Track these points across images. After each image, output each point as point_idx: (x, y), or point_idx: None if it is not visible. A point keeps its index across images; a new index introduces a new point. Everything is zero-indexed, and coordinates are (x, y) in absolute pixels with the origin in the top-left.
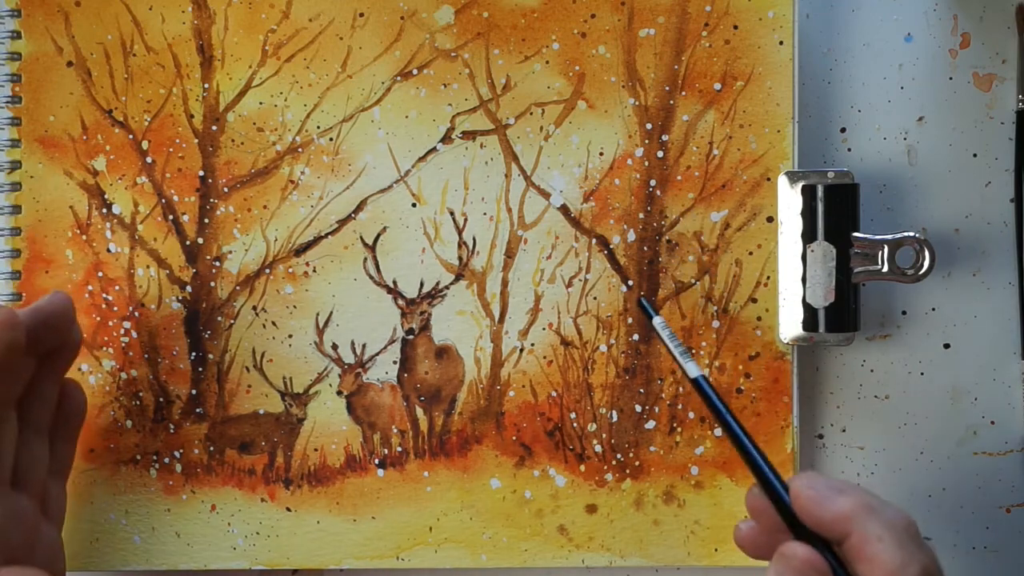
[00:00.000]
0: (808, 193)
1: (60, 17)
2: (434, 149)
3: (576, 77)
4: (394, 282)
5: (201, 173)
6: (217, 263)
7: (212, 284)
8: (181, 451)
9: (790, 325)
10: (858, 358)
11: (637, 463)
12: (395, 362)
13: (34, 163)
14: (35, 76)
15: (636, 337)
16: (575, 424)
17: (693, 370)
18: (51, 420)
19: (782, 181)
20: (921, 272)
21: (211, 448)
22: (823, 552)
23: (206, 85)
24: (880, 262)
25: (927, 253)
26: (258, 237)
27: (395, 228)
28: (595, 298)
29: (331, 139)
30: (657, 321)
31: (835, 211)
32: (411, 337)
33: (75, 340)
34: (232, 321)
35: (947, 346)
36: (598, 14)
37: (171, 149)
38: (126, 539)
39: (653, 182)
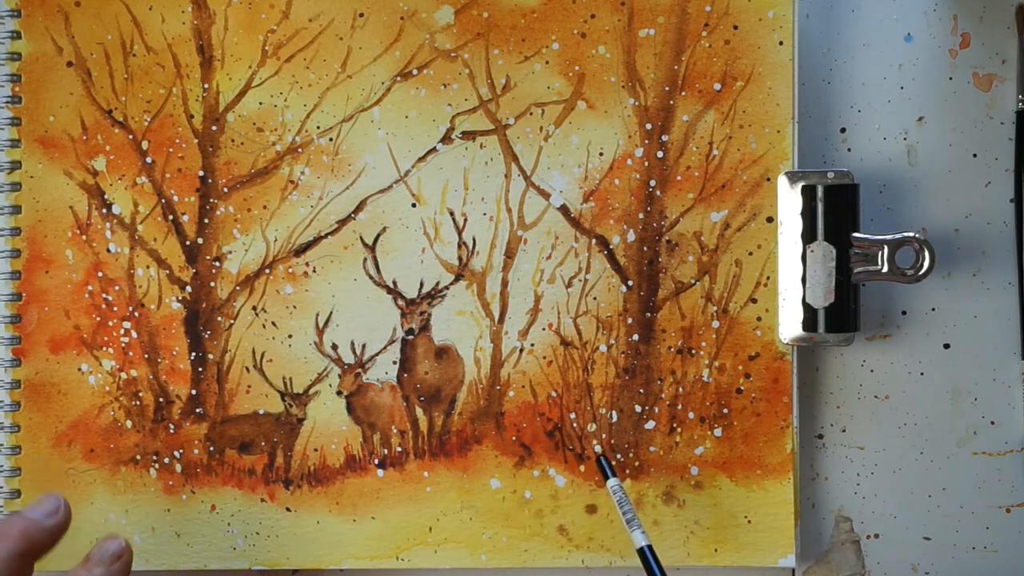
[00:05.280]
0: (808, 193)
1: (60, 17)
2: (434, 149)
3: (576, 77)
4: (394, 282)
5: (201, 173)
6: (217, 263)
7: (212, 284)
8: (181, 451)
9: (790, 325)
10: (858, 358)
11: (637, 463)
12: (395, 362)
13: (34, 163)
14: (35, 76)
15: (636, 337)
16: (575, 424)
17: (640, 539)
18: None
19: (782, 181)
20: (921, 272)
21: (211, 448)
22: None
23: (206, 85)
24: (880, 262)
25: (927, 253)
26: (258, 237)
27: (395, 228)
28: (595, 298)
29: (331, 139)
30: (611, 483)
31: (835, 211)
32: (411, 337)
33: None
34: (232, 321)
35: (947, 346)
36: (598, 14)
37: (171, 149)
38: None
39: (653, 182)
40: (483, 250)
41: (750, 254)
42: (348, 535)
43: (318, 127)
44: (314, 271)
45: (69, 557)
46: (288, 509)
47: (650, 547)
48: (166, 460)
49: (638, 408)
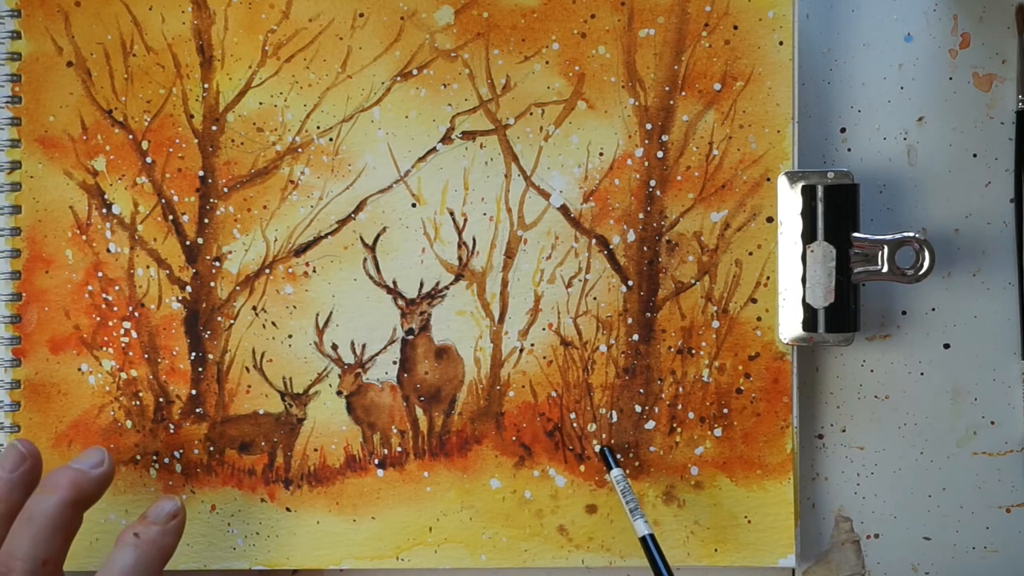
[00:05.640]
0: (808, 193)
1: (60, 17)
2: (434, 149)
3: (576, 77)
4: (394, 282)
5: (201, 173)
6: (217, 263)
7: (212, 284)
8: (181, 451)
9: (790, 325)
10: (858, 358)
11: (637, 463)
12: (395, 362)
13: (34, 163)
14: (35, 76)
15: (636, 337)
16: (575, 424)
17: (642, 528)
18: None
19: (782, 181)
20: (921, 272)
21: (211, 448)
22: None
23: (206, 85)
24: (880, 262)
25: (927, 253)
26: (258, 237)
27: (395, 228)
28: (595, 298)
29: (331, 139)
30: (615, 473)
31: (835, 211)
32: (411, 337)
33: None
34: (232, 321)
35: (947, 346)
36: (598, 14)
37: (171, 149)
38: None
39: (653, 182)
40: (483, 250)
41: (750, 254)
42: (348, 535)
43: (318, 127)
44: (314, 271)
45: (70, 557)
46: (288, 509)
47: (652, 536)
48: (166, 460)
49: (638, 408)
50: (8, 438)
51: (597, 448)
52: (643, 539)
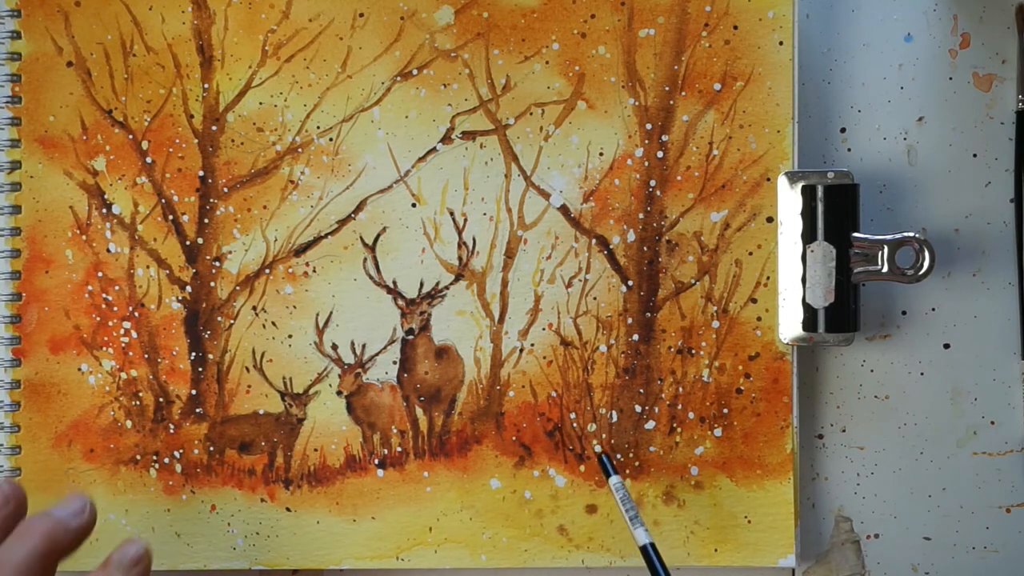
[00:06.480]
0: (808, 193)
1: (60, 17)
2: (434, 149)
3: (576, 77)
4: (394, 282)
5: (201, 173)
6: (217, 263)
7: (212, 284)
8: (181, 451)
9: (790, 325)
10: (858, 358)
11: (637, 463)
12: (395, 362)
13: (34, 163)
14: (35, 76)
15: (636, 337)
16: (575, 424)
17: (642, 537)
18: None
19: (782, 181)
20: (921, 272)
21: (211, 448)
22: None
23: (206, 85)
24: (880, 262)
25: (927, 253)
26: (258, 237)
27: (395, 228)
28: (595, 298)
29: (331, 139)
30: (613, 481)
31: (835, 211)
32: (411, 337)
33: None
34: (232, 321)
35: (947, 346)
36: (598, 14)
37: (171, 149)
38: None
39: (653, 182)
40: (483, 250)
41: (750, 254)
42: (348, 535)
43: (318, 127)
44: (314, 271)
45: (69, 558)
46: (288, 509)
47: (653, 545)
48: (166, 460)
49: (638, 408)
50: (8, 438)
51: (597, 448)
52: (643, 548)
